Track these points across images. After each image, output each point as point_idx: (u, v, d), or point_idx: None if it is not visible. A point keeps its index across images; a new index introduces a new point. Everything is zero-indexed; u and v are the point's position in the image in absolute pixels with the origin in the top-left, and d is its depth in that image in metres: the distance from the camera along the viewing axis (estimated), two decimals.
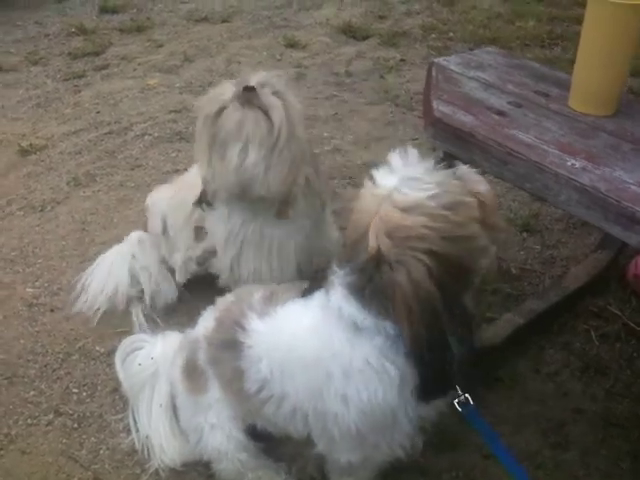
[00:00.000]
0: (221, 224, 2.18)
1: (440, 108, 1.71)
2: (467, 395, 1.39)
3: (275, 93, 1.97)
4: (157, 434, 1.92)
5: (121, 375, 2.05)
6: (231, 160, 1.97)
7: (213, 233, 2.26)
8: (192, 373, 1.75)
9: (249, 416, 1.67)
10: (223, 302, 1.74)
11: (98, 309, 2.45)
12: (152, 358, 1.99)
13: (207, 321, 1.73)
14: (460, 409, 1.39)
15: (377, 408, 1.38)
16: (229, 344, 1.58)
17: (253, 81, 1.96)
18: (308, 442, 1.59)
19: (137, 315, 2.42)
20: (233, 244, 2.18)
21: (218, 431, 1.71)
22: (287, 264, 2.19)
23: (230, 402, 1.67)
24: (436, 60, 1.99)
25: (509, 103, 1.74)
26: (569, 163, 1.48)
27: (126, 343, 2.08)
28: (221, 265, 2.26)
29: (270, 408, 1.54)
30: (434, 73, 1.90)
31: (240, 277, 2.21)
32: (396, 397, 1.36)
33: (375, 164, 1.36)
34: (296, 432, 1.58)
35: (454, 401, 1.39)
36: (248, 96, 1.93)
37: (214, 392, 1.69)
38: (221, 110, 1.97)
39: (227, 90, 1.98)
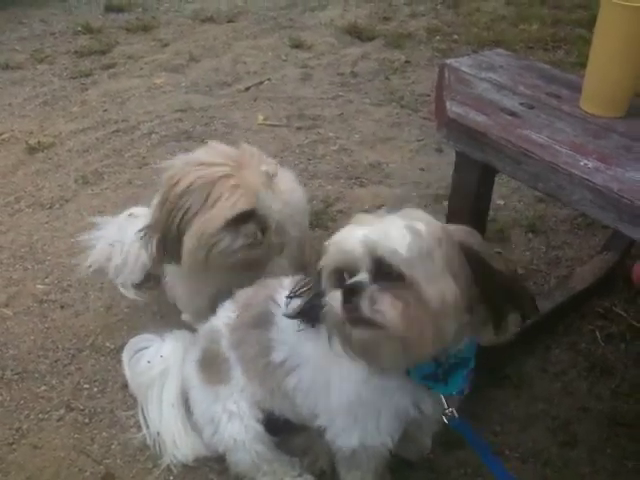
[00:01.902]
0: None
1: (453, 109, 1.73)
2: (453, 409, 1.42)
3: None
4: (169, 431, 1.94)
5: (128, 373, 2.08)
6: None
7: None
8: (211, 363, 1.78)
9: (269, 398, 1.70)
10: (244, 293, 1.78)
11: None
12: (161, 356, 2.01)
13: (228, 311, 1.76)
14: (447, 421, 1.43)
15: (359, 386, 1.45)
16: (259, 319, 1.63)
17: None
18: (315, 421, 1.63)
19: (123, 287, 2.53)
20: None
21: (237, 420, 1.74)
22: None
23: (252, 383, 1.70)
24: (448, 61, 2.01)
25: (521, 104, 1.75)
26: (582, 163, 1.50)
27: (133, 342, 2.11)
28: None
29: (292, 380, 1.59)
30: (446, 74, 1.91)
31: None
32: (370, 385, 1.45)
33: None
34: (307, 410, 1.62)
35: (442, 414, 1.43)
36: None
37: (235, 378, 1.73)
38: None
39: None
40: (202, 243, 1.93)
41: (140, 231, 2.07)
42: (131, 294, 2.50)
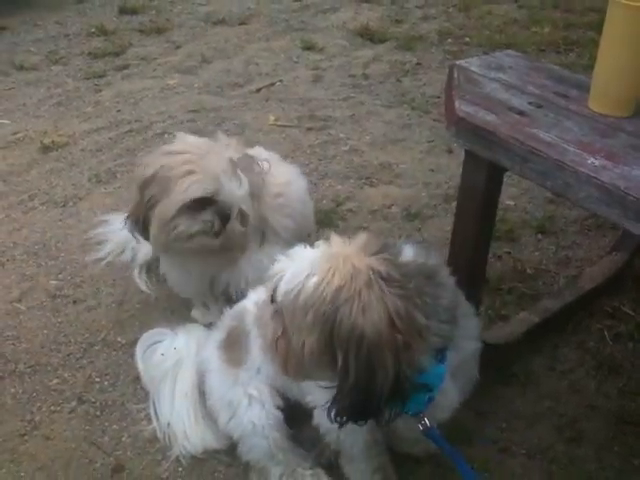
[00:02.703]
0: None
1: (463, 108, 1.75)
2: (426, 419, 1.46)
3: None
4: (180, 422, 1.97)
5: (141, 367, 2.12)
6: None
7: None
8: (233, 342, 1.81)
9: (280, 376, 1.70)
10: None
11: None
12: (175, 348, 2.04)
13: (260, 293, 1.78)
14: (421, 427, 1.46)
15: None
16: None
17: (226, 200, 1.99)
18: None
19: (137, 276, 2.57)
20: None
21: (257, 405, 1.77)
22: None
23: (267, 359, 1.71)
24: (457, 62, 2.02)
25: (530, 104, 1.77)
26: (589, 161, 1.51)
27: (146, 336, 2.15)
28: None
29: None
30: (456, 74, 1.93)
31: None
32: None
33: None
34: (305, 387, 1.66)
35: (419, 424, 1.46)
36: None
37: (253, 356, 1.75)
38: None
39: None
40: (162, 228, 2.01)
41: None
42: (142, 284, 2.53)
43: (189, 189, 1.95)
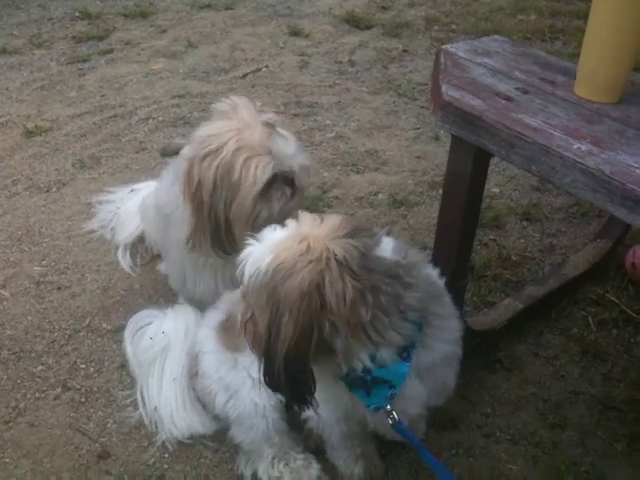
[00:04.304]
0: None
1: (449, 92, 1.74)
2: (394, 412, 1.44)
3: None
4: (167, 406, 1.96)
5: (129, 351, 2.09)
6: None
7: None
8: (232, 327, 1.77)
9: None
10: None
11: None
12: (163, 332, 2.03)
13: None
14: (390, 422, 1.44)
15: None
16: None
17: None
18: None
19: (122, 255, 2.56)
20: None
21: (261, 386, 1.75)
22: None
23: None
24: (444, 47, 2.02)
25: (516, 89, 1.77)
26: (575, 147, 1.51)
27: (135, 319, 2.13)
28: None
29: None
30: (442, 59, 1.92)
31: None
32: None
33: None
34: None
35: (388, 418, 1.45)
36: None
37: None
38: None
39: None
40: (246, 223, 1.94)
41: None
42: (126, 265, 2.50)
43: (256, 179, 1.88)
